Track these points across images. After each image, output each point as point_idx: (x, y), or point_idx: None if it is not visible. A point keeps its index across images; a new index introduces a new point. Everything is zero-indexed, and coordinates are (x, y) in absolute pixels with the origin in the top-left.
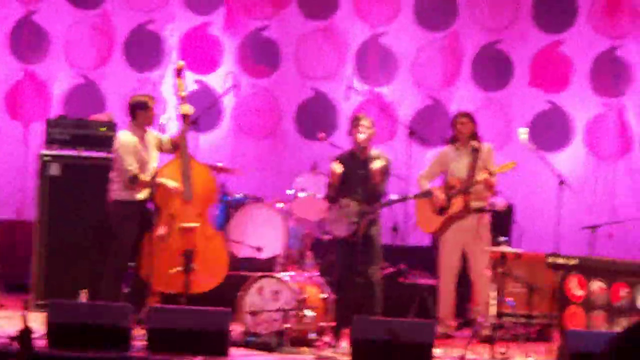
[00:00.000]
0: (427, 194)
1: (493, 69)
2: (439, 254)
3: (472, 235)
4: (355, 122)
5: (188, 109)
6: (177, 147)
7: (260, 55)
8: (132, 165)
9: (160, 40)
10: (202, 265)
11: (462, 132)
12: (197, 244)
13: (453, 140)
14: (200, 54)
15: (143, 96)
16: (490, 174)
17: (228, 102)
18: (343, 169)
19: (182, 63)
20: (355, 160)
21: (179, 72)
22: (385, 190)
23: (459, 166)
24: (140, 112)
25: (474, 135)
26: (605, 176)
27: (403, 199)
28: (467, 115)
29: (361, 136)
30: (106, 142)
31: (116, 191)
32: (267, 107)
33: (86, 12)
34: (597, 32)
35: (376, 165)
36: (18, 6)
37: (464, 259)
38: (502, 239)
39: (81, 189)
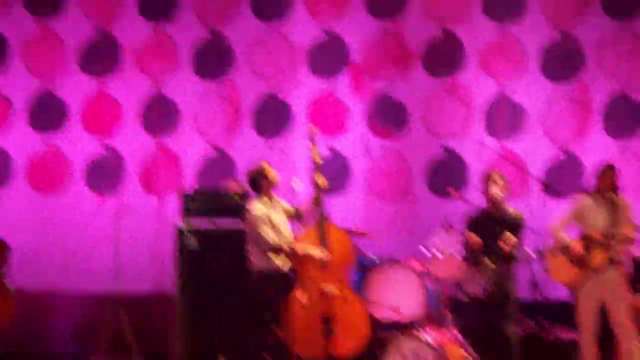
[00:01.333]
0: (564, 250)
1: (623, 118)
2: (577, 307)
3: (612, 288)
4: (488, 179)
5: (322, 179)
6: (310, 214)
7: (388, 116)
8: (269, 236)
9: (287, 106)
10: (343, 329)
11: (605, 184)
12: (337, 308)
13: (594, 192)
14: (327, 118)
15: (257, 165)
16: (635, 229)
17: (358, 164)
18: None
19: (315, 129)
20: (490, 218)
21: (312, 139)
22: (519, 248)
23: (598, 218)
24: (262, 180)
25: (615, 187)
26: None
27: (540, 255)
28: (611, 167)
29: (496, 193)
30: (241, 211)
31: (256, 261)
32: (396, 168)
33: (213, 83)
34: None
35: (509, 238)
36: (147, 81)
37: (604, 312)
38: None
39: (218, 259)
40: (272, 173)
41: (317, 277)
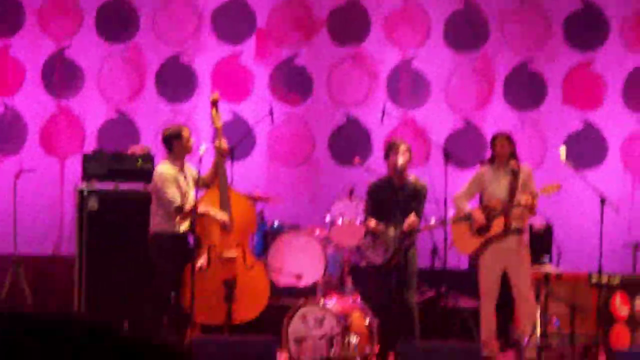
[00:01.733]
0: (467, 218)
1: (525, 89)
2: (478, 275)
3: (513, 256)
4: (392, 147)
5: (223, 141)
6: (213, 180)
7: (292, 83)
8: (175, 197)
9: (191, 71)
10: (243, 294)
11: (500, 153)
12: (238, 274)
13: (491, 161)
14: (231, 83)
15: (176, 126)
16: (534, 196)
17: (261, 131)
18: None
19: (216, 95)
20: (393, 186)
21: (214, 104)
22: (422, 215)
23: (498, 187)
24: (176, 142)
25: (513, 156)
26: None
27: (442, 224)
28: (506, 136)
29: (399, 161)
30: (143, 174)
31: (157, 224)
32: (300, 135)
33: (118, 46)
34: (629, 49)
35: (411, 220)
36: (50, 43)
37: (505, 280)
38: (545, 259)
39: (119, 222)
40: (188, 138)
41: (219, 242)
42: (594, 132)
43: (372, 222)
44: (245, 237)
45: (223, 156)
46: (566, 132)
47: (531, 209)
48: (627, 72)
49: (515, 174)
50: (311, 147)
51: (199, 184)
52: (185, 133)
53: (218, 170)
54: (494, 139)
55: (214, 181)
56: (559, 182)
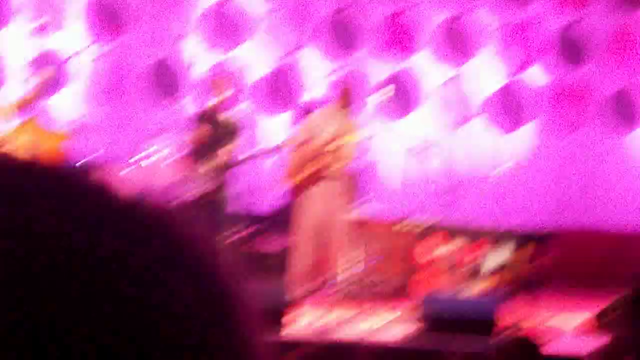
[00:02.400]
0: (274, 151)
1: (341, 36)
2: (292, 217)
3: (327, 201)
4: (210, 85)
5: (47, 72)
6: (21, 109)
7: (109, 18)
8: None
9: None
10: None
11: (341, 99)
12: None
13: (329, 106)
14: (47, 14)
15: None
16: (347, 143)
17: (76, 65)
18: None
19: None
20: (210, 122)
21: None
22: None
23: (326, 131)
24: None
25: (348, 103)
26: (450, 142)
27: (251, 157)
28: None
29: (215, 99)
30: None
31: None
32: (114, 71)
33: None
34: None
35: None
36: None
37: (318, 224)
38: (358, 204)
39: None
40: None
41: None
42: (406, 81)
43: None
44: None
45: (43, 87)
46: (379, 80)
47: (346, 156)
48: (439, 21)
49: (342, 120)
50: (127, 82)
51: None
52: None
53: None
54: (341, 88)
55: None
56: (369, 128)
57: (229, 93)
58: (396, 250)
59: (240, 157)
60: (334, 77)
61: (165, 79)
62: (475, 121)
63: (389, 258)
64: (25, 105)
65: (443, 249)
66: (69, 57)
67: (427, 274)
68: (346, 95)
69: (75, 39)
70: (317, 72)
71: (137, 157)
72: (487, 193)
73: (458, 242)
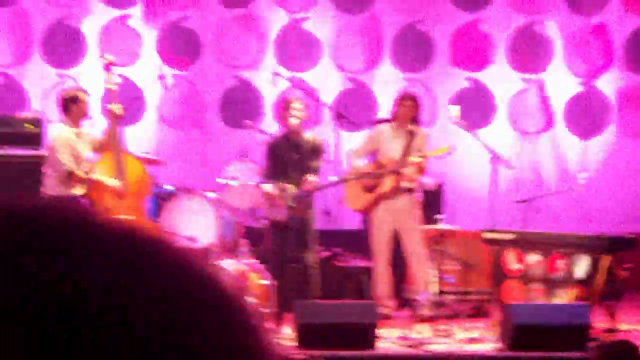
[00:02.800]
0: (362, 176)
1: (413, 50)
2: (370, 234)
3: (404, 215)
4: (286, 106)
5: (117, 107)
6: (107, 144)
7: (181, 46)
8: (67, 161)
9: (79, 35)
10: None
11: (404, 113)
12: None
13: (391, 120)
14: (120, 47)
15: (74, 89)
16: (424, 156)
17: (151, 94)
18: (276, 155)
19: (111, 57)
20: (290, 144)
21: (108, 66)
22: (319, 172)
23: (393, 147)
24: (73, 105)
25: (415, 119)
26: (529, 151)
27: (338, 182)
28: (412, 97)
29: (294, 120)
30: (33, 139)
31: (50, 187)
32: (190, 98)
33: (2, 10)
34: (514, 8)
35: (310, 179)
36: None
37: (397, 239)
38: (438, 216)
39: (10, 188)
40: (86, 102)
41: (113, 206)
42: (482, 92)
43: (268, 187)
44: (140, 200)
45: (117, 119)
46: (454, 92)
47: (421, 170)
48: (513, 31)
49: (412, 136)
50: (202, 110)
51: (96, 148)
52: (82, 97)
53: (112, 134)
54: (400, 98)
55: (110, 144)
56: (448, 142)
57: (305, 113)
58: (482, 262)
59: (323, 177)
60: (405, 92)
61: (243, 103)
62: (553, 130)
63: (475, 269)
64: (107, 135)
65: (529, 259)
66: (147, 86)
67: (515, 283)
68: (417, 109)
69: (150, 68)
70: (390, 88)
71: (220, 181)
72: (568, 201)
73: (543, 251)
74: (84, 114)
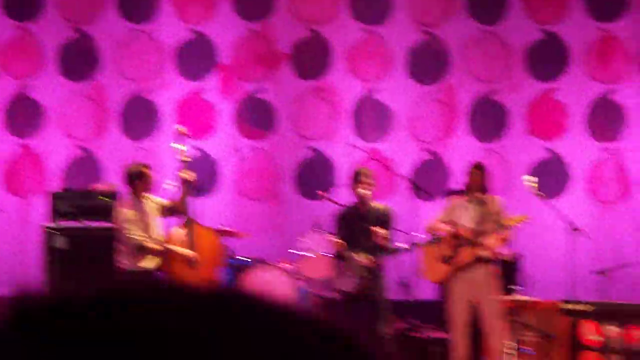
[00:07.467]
0: (435, 242)
1: (489, 119)
2: (447, 305)
3: (482, 286)
4: (356, 176)
5: (189, 174)
6: (176, 210)
7: (256, 118)
8: (136, 235)
9: (154, 108)
10: None
11: (474, 182)
12: None
13: (465, 191)
14: (195, 119)
15: (137, 165)
16: (504, 227)
17: (226, 165)
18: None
19: (183, 128)
20: (359, 213)
21: (180, 138)
22: (390, 241)
23: (467, 216)
24: (137, 181)
25: (483, 186)
26: (608, 220)
27: (410, 247)
28: (479, 166)
29: (362, 190)
30: (110, 211)
31: (123, 262)
32: (265, 169)
33: (79, 83)
34: (590, 77)
35: (378, 231)
36: (12, 82)
37: (474, 310)
38: (516, 288)
39: (88, 260)
40: (149, 175)
41: (186, 278)
42: (558, 161)
43: (337, 257)
44: (213, 272)
45: (188, 185)
46: (530, 161)
47: (503, 240)
48: (589, 100)
49: (484, 204)
50: (277, 181)
51: (165, 213)
52: (146, 171)
53: (183, 200)
54: (470, 168)
55: (181, 210)
56: (525, 212)
57: (374, 183)
58: (560, 333)
59: (395, 246)
60: (475, 161)
61: (318, 174)
62: (631, 198)
63: (553, 341)
64: (179, 201)
65: (607, 330)
66: (220, 158)
67: (593, 355)
68: (485, 177)
69: (226, 140)
70: (466, 157)
71: (295, 252)
72: None
73: (621, 323)
74: (147, 189)
